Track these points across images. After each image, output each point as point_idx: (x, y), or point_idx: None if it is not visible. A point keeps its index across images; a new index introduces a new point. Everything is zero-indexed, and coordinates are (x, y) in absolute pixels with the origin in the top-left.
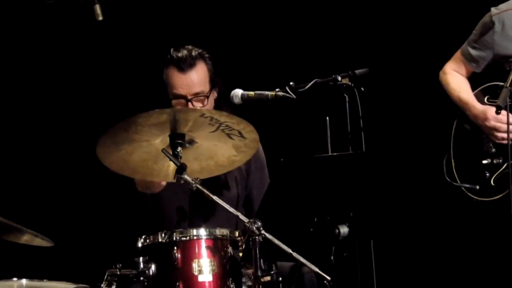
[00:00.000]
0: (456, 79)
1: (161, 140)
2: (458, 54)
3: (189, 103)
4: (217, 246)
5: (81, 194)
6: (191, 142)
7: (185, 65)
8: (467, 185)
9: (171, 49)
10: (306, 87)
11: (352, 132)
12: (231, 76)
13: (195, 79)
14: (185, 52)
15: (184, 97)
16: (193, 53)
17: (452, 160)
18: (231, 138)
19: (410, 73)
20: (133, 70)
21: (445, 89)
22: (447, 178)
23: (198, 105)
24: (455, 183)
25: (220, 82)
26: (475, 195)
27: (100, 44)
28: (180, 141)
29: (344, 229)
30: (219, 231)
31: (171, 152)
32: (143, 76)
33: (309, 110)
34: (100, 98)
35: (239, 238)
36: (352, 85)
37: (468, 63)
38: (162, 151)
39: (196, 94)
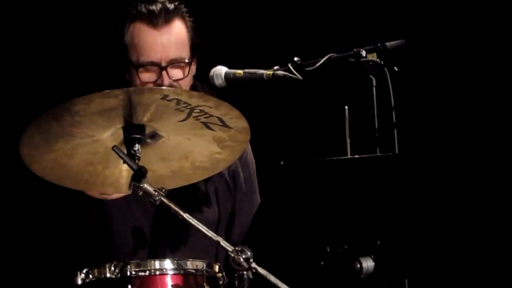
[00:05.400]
0: None
1: (111, 134)
2: None
3: (163, 73)
4: (188, 285)
5: None
6: (154, 136)
7: (158, 19)
8: None
9: (137, 2)
10: (317, 64)
11: (381, 128)
12: (212, 47)
13: (172, 37)
14: (158, 4)
15: (156, 64)
16: (168, 6)
17: None
18: (209, 128)
19: (461, 47)
20: (69, 35)
21: None
22: None
23: (176, 75)
24: None
25: (203, 47)
26: None
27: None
28: (137, 136)
29: (368, 263)
30: (191, 264)
31: (125, 152)
32: (83, 43)
33: (321, 97)
34: (22, 74)
35: (220, 273)
36: (382, 62)
37: None
38: (113, 148)
39: (174, 61)
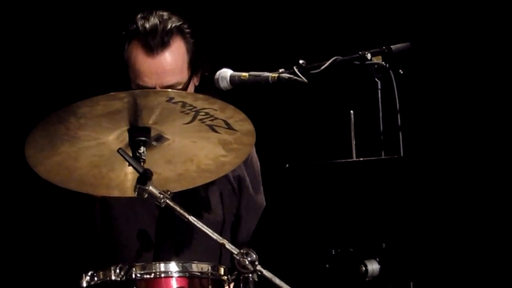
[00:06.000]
0: None
1: (117, 137)
2: None
3: None
4: (193, 287)
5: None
6: (160, 138)
7: (155, 42)
8: None
9: (137, 16)
10: (322, 67)
11: (386, 131)
12: (216, 49)
13: (168, 64)
14: (156, 22)
15: (151, 89)
16: (168, 26)
17: None
18: (215, 131)
19: (466, 50)
20: (75, 37)
21: None
22: None
23: None
24: None
25: (205, 65)
26: None
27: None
28: (143, 138)
29: (373, 266)
30: (196, 267)
31: (130, 154)
32: (90, 46)
33: (326, 100)
34: (27, 77)
35: (225, 276)
36: (387, 65)
37: None
38: (118, 151)
39: (169, 87)
